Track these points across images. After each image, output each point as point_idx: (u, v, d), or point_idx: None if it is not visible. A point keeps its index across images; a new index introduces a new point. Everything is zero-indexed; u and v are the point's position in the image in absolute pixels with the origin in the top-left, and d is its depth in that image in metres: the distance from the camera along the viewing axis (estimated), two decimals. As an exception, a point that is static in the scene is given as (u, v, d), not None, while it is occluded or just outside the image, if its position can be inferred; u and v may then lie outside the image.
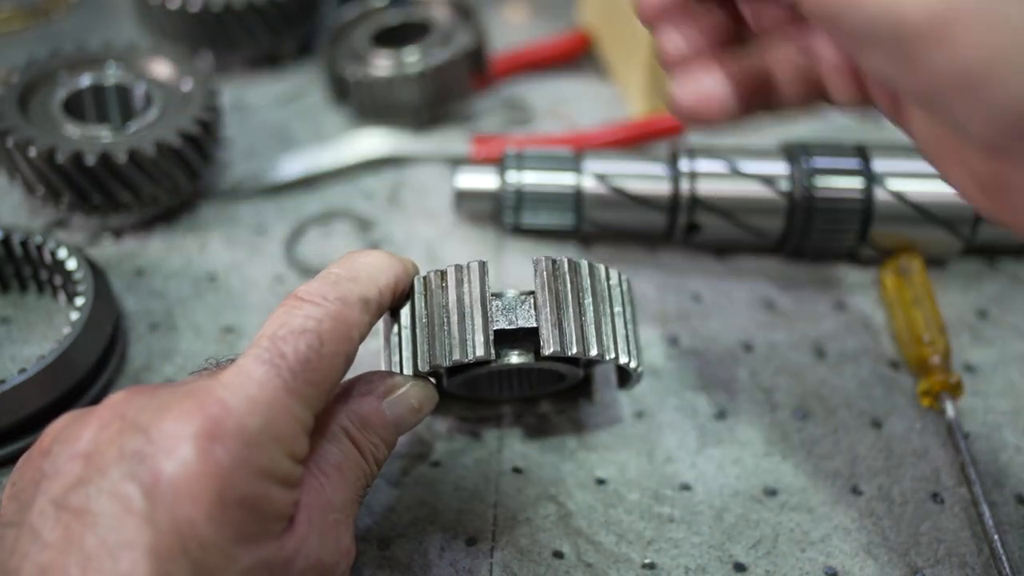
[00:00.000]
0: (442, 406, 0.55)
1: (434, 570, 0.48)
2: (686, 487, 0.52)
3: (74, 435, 0.37)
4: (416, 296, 0.47)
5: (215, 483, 0.35)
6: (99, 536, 0.33)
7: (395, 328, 0.48)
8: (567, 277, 0.45)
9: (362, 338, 0.43)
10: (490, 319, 0.45)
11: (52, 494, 0.35)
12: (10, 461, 0.51)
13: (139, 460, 0.35)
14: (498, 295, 0.46)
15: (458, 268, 0.46)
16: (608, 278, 0.48)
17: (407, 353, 0.46)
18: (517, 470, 0.53)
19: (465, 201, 0.69)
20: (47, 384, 0.52)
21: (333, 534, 0.40)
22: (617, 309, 0.48)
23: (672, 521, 0.51)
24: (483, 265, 0.46)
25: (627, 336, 0.48)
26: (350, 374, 0.45)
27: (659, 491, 0.52)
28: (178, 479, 0.34)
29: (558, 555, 0.49)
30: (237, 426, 0.36)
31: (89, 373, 0.55)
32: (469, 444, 0.55)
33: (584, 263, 0.47)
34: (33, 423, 0.52)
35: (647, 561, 0.49)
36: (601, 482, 0.53)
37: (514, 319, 0.46)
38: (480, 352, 0.44)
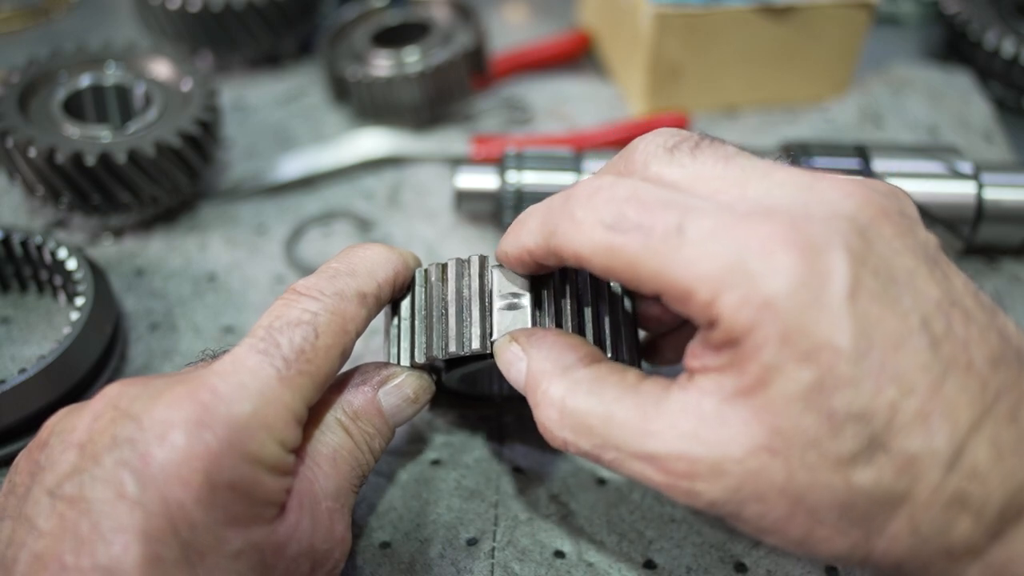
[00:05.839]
0: (443, 403, 0.55)
1: (435, 570, 0.48)
2: (687, 487, 0.52)
3: (70, 427, 0.37)
4: (416, 288, 0.47)
5: (204, 466, 0.35)
6: (92, 521, 0.34)
7: (395, 320, 0.48)
8: (568, 276, 0.45)
9: (359, 332, 0.43)
10: (488, 313, 0.44)
11: (47, 484, 0.36)
12: (11, 461, 0.51)
13: (131, 446, 0.35)
14: None
15: (459, 261, 0.46)
16: (609, 279, 0.48)
17: (405, 344, 0.46)
18: (518, 469, 0.53)
19: (465, 201, 0.69)
20: (47, 384, 0.52)
21: (326, 522, 0.41)
22: (617, 309, 0.48)
23: (674, 521, 0.51)
24: (484, 259, 0.46)
25: (626, 336, 0.47)
26: (347, 368, 0.45)
27: (660, 491, 0.52)
28: (168, 463, 0.35)
29: (559, 555, 0.49)
30: (227, 412, 0.36)
31: (89, 373, 0.55)
32: (470, 443, 0.55)
33: None
34: (33, 423, 0.52)
35: (648, 560, 0.49)
36: (602, 482, 0.53)
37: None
38: (476, 345, 0.44)
